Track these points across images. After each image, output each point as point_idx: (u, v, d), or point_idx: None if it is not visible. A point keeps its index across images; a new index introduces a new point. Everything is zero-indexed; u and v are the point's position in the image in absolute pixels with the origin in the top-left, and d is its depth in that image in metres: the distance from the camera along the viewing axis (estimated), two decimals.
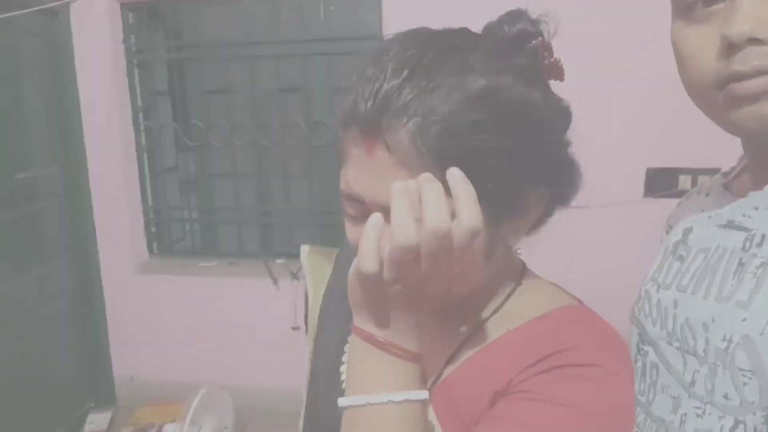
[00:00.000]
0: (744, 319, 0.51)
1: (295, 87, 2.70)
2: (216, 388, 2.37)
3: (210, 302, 2.81)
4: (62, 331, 2.72)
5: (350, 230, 0.57)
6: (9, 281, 2.39)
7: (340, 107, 0.54)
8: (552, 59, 0.57)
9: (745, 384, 0.51)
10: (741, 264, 0.54)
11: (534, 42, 0.56)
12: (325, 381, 0.68)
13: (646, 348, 0.63)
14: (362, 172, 0.52)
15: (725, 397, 0.52)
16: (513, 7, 0.58)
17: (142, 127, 2.85)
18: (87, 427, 2.75)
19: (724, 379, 0.52)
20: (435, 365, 0.60)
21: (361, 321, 0.52)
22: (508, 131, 0.51)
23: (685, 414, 0.56)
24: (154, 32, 2.87)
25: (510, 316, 0.59)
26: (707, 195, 0.67)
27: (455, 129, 0.49)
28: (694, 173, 2.35)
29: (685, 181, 2.37)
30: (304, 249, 0.82)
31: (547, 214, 0.60)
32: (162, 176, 2.96)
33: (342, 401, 0.52)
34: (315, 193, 2.79)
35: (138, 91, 2.84)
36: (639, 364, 0.64)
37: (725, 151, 2.42)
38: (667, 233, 0.71)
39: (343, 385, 0.64)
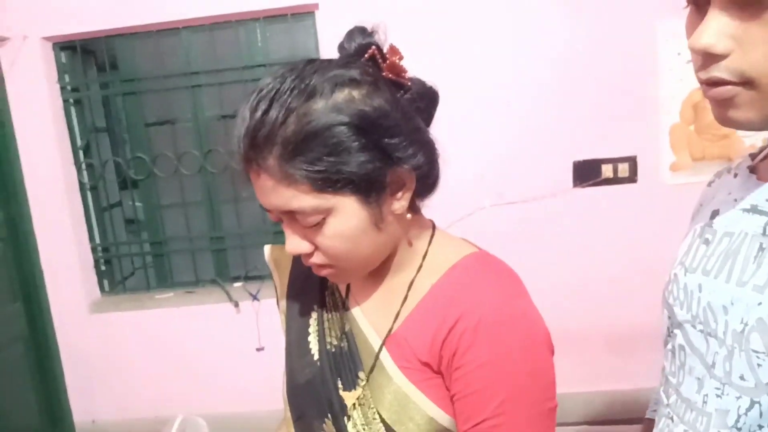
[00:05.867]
0: (760, 303, 0.53)
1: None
2: (191, 415, 2.37)
3: (170, 333, 2.79)
4: (18, 379, 2.63)
5: (284, 229, 0.72)
6: None
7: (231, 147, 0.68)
8: (389, 60, 0.68)
9: (759, 366, 0.52)
10: (761, 249, 0.55)
11: (369, 52, 0.67)
12: (297, 349, 0.81)
13: (676, 331, 0.65)
14: (259, 191, 0.67)
15: (741, 378, 0.54)
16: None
17: (83, 166, 2.83)
18: None
19: (740, 360, 0.54)
20: (386, 322, 0.74)
21: None
22: (354, 136, 0.62)
23: (707, 394, 0.58)
24: (89, 69, 2.87)
25: (431, 270, 0.73)
26: (735, 176, 0.66)
27: (308, 147, 0.62)
28: (614, 162, 2.61)
29: (606, 170, 2.61)
30: (267, 248, 0.93)
31: (427, 180, 0.71)
32: (107, 213, 2.93)
33: None
34: (267, 214, 2.85)
35: (76, 129, 2.82)
36: (669, 346, 0.67)
37: (639, 139, 2.70)
38: (697, 212, 0.72)
39: (313, 351, 0.79)
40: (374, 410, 0.70)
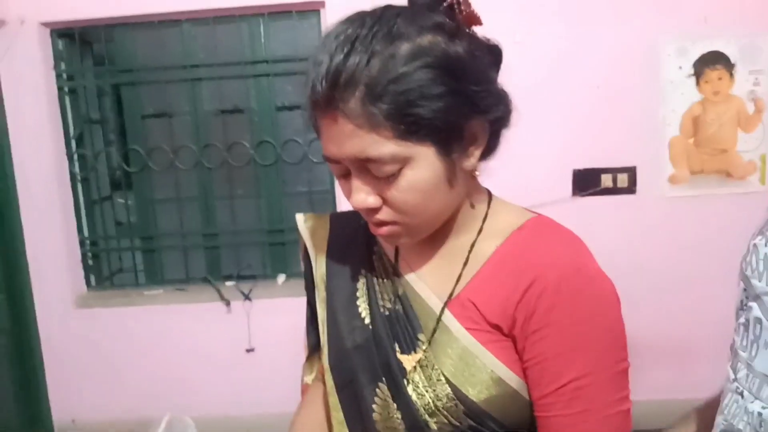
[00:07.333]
0: None
1: (237, 108, 2.74)
2: (179, 415, 2.30)
3: (159, 332, 2.72)
4: None
5: (342, 186, 0.70)
6: None
7: (302, 91, 0.65)
8: (467, 11, 0.67)
9: None
10: None
11: (447, 1, 0.67)
12: (344, 313, 0.79)
13: (751, 303, 0.62)
14: (332, 138, 0.64)
15: None
16: None
17: (75, 156, 2.76)
18: None
19: None
20: (446, 285, 0.72)
21: None
22: (440, 79, 0.61)
23: None
24: (86, 59, 2.81)
25: (493, 233, 0.72)
26: None
27: (395, 89, 0.60)
28: (614, 172, 2.61)
29: (606, 180, 2.62)
30: (300, 217, 0.90)
31: (495, 138, 0.71)
32: (98, 206, 2.86)
33: None
34: (262, 212, 2.81)
35: (70, 119, 2.76)
36: (742, 319, 0.63)
37: (639, 151, 2.70)
38: None
39: (363, 315, 0.77)
40: (438, 371, 0.68)
